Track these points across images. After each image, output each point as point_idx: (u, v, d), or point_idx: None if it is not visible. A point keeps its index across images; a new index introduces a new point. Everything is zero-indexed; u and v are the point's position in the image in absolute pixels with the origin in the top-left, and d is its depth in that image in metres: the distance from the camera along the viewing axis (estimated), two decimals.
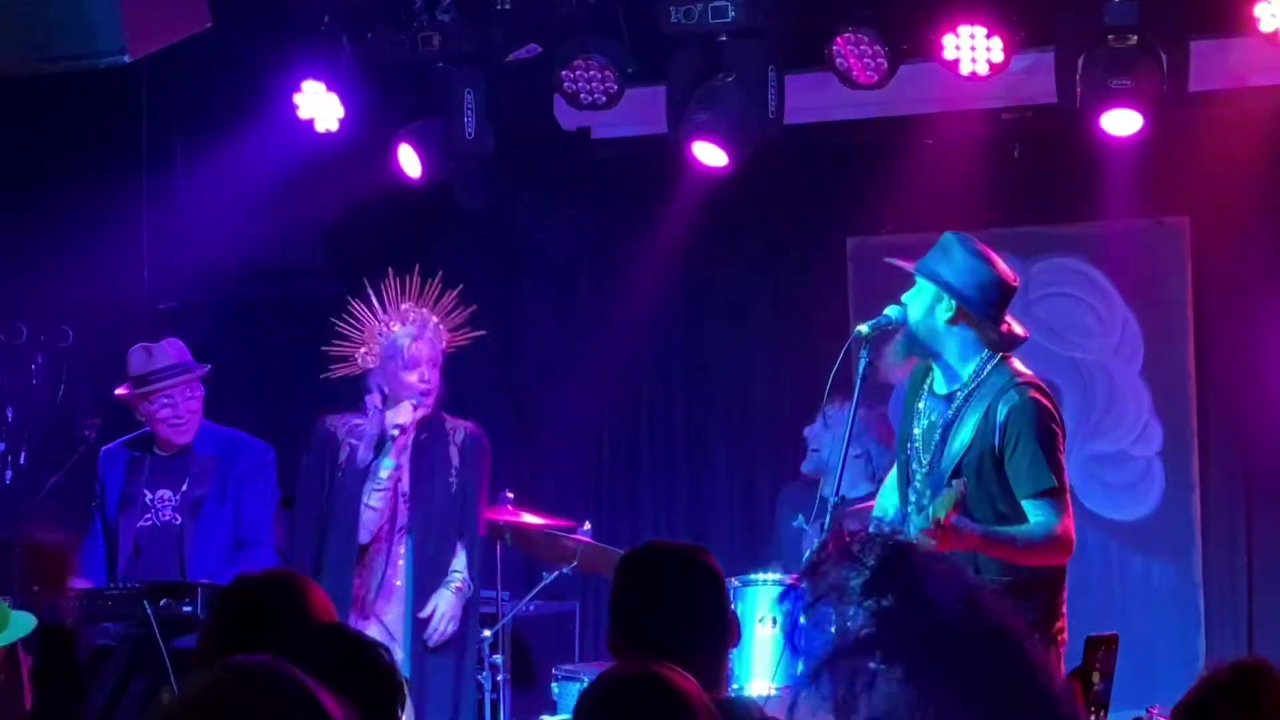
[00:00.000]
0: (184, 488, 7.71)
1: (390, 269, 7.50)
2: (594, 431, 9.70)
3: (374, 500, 7.33)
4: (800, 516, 8.07)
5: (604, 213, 9.24)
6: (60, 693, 4.33)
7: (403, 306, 7.41)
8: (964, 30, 8.25)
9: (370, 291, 7.42)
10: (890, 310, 6.17)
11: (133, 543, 7.72)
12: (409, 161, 8.98)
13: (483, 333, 7.44)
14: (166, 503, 7.75)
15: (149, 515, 7.74)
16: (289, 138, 9.28)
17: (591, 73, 8.78)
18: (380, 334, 7.45)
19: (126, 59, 7.13)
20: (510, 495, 8.30)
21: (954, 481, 5.75)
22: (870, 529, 2.60)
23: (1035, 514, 5.90)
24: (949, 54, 8.33)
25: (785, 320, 9.33)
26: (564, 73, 8.79)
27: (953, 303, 6.06)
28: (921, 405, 6.17)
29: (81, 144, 9.68)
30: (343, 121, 9.07)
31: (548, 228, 9.51)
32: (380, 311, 7.44)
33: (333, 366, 7.48)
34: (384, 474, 7.35)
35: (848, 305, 8.96)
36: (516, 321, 9.93)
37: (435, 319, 7.48)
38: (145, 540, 7.74)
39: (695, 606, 4.48)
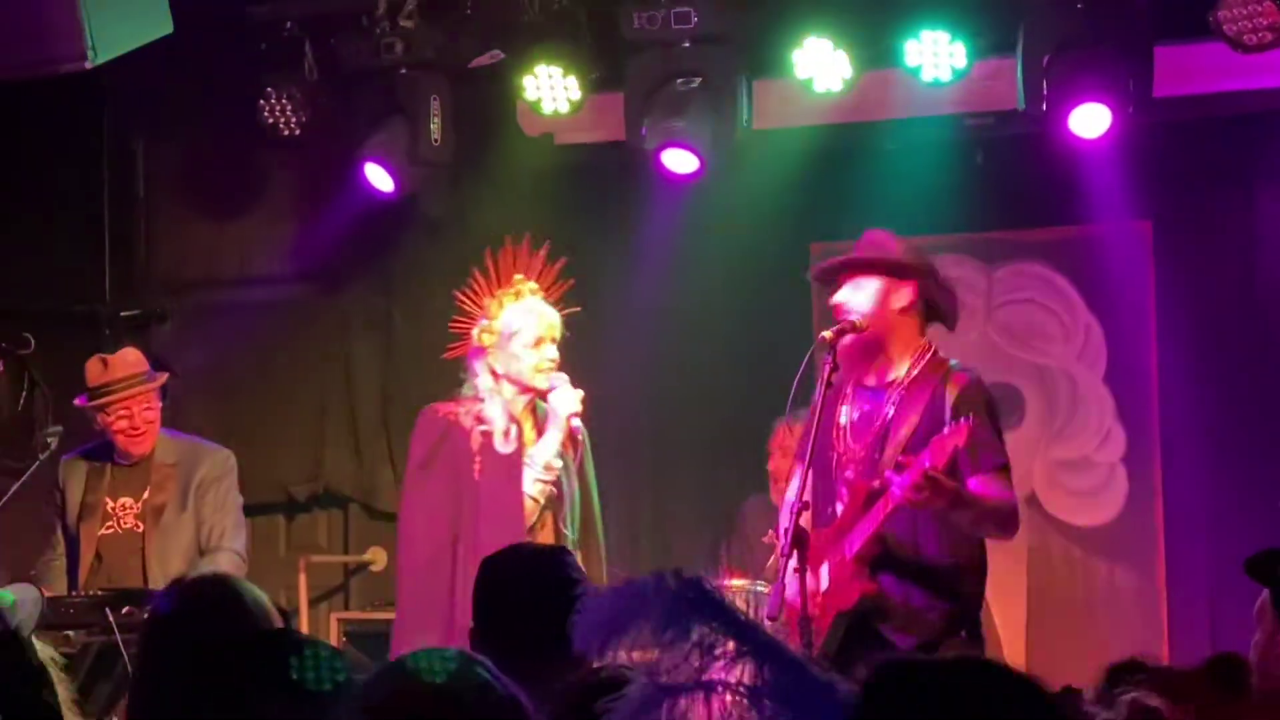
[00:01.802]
0: (145, 495, 7.67)
1: (506, 239, 6.95)
2: None
3: (536, 490, 6.63)
4: (770, 533, 8.03)
5: (567, 219, 8.91)
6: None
7: (515, 278, 6.81)
8: (927, 36, 8.27)
9: (490, 262, 6.84)
10: (853, 316, 6.19)
11: (94, 551, 7.67)
12: (379, 178, 8.97)
13: (578, 308, 6.82)
14: (128, 510, 7.70)
15: (110, 523, 7.69)
16: (251, 143, 9.30)
17: (554, 79, 8.79)
18: (496, 308, 6.82)
19: (88, 64, 7.22)
20: None
21: (946, 426, 5.80)
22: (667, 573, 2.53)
23: (992, 485, 5.98)
24: (912, 60, 8.36)
25: (750, 326, 9.30)
26: (526, 79, 8.81)
27: (907, 289, 6.14)
28: (851, 399, 6.22)
29: (43, 150, 9.65)
30: (305, 127, 9.03)
31: (511, 234, 9.28)
32: (495, 285, 6.83)
33: (450, 346, 6.90)
34: (546, 462, 6.65)
35: (811, 311, 8.92)
36: None
37: (544, 292, 6.86)
38: (107, 548, 7.69)
39: (556, 607, 4.52)
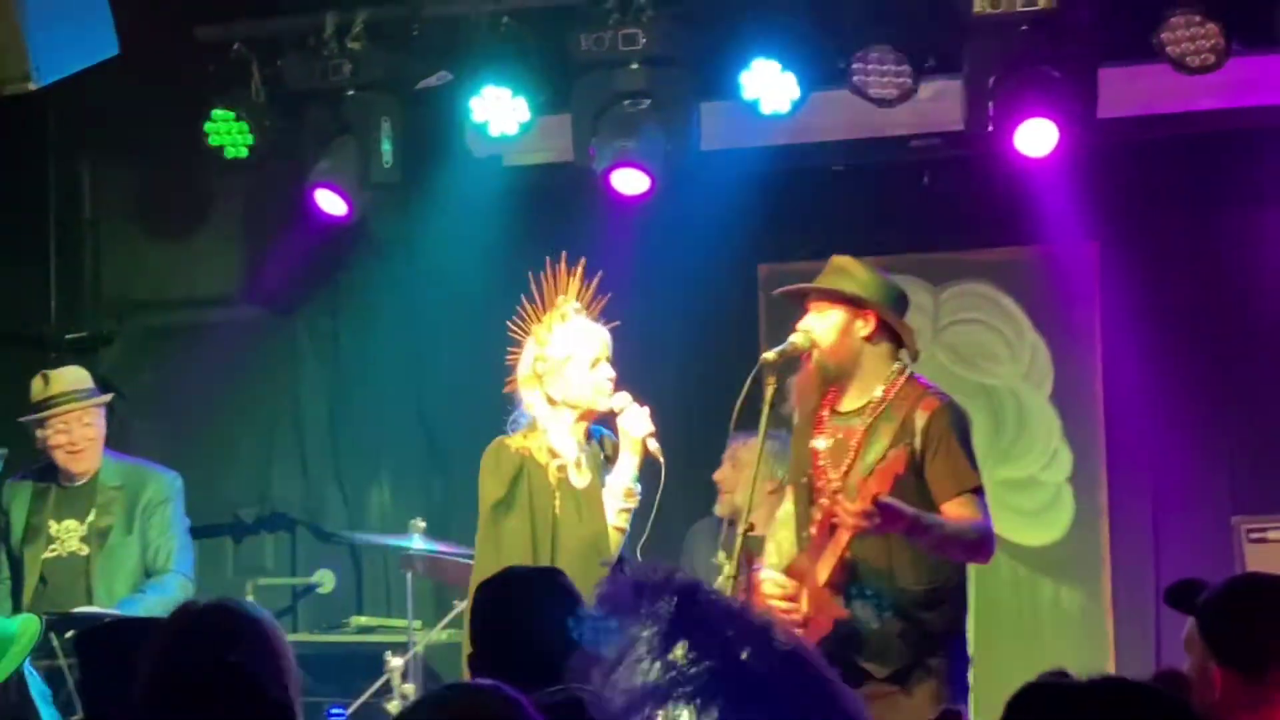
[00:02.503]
0: (90, 518, 7.64)
1: (547, 261, 6.60)
2: None
3: (622, 520, 6.34)
4: (721, 554, 7.99)
5: (516, 240, 9.02)
6: None
7: (559, 300, 6.47)
8: (873, 56, 8.25)
9: (534, 287, 6.51)
10: (796, 338, 6.13)
11: (39, 574, 7.64)
12: (330, 202, 8.93)
13: (616, 323, 6.50)
14: (72, 533, 7.67)
15: (54, 546, 7.66)
16: (198, 165, 9.27)
17: (502, 101, 8.77)
18: (547, 331, 6.46)
19: (32, 86, 7.15)
20: (422, 524, 8.27)
21: (892, 451, 5.81)
22: (660, 574, 2.52)
23: (962, 510, 5.92)
24: (858, 80, 8.35)
25: (698, 347, 9.27)
26: (474, 101, 8.79)
27: (870, 319, 6.09)
28: (825, 426, 6.16)
29: None
30: (253, 149, 8.99)
31: (460, 256, 9.35)
32: (541, 310, 6.50)
33: (510, 380, 6.52)
34: (629, 490, 6.35)
35: (759, 333, 8.91)
36: (429, 349, 9.87)
37: (586, 309, 6.53)
38: (51, 571, 7.66)
39: (550, 628, 4.49)
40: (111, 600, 7.54)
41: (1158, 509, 9.03)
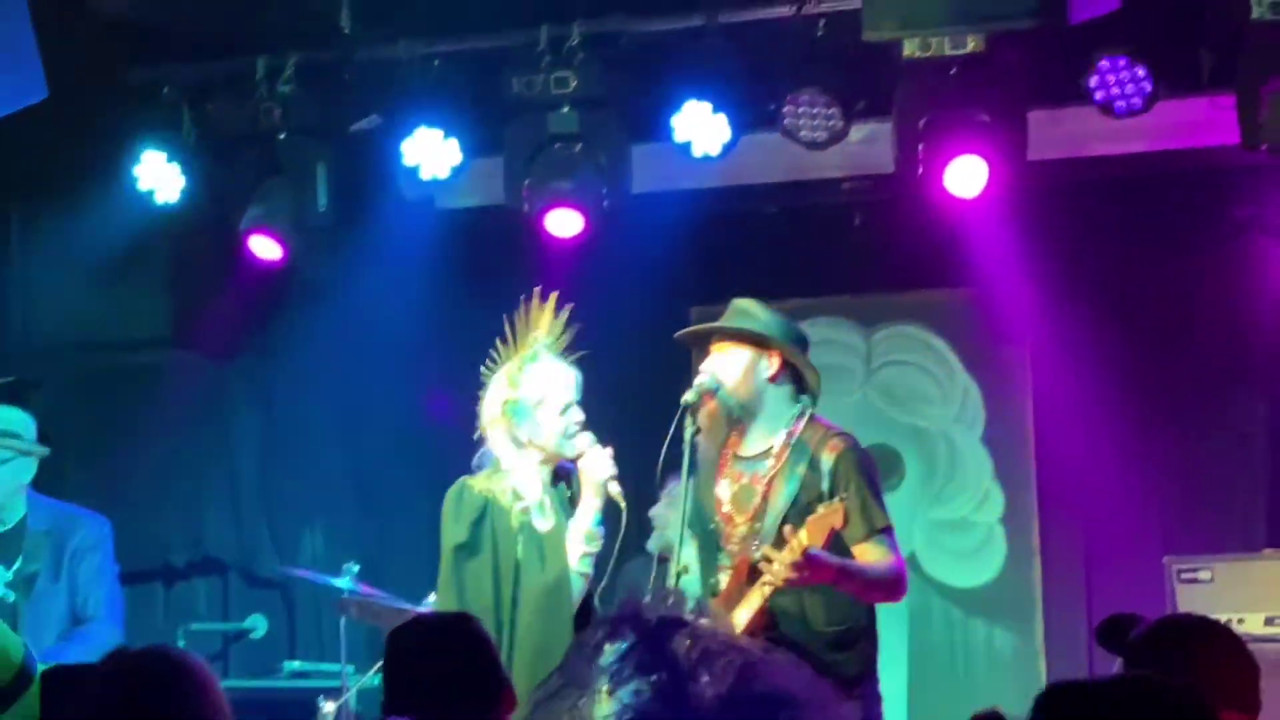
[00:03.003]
0: (17, 564, 7.42)
1: (520, 298, 6.46)
2: (437, 506, 9.54)
3: (584, 565, 6.18)
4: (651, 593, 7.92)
5: (449, 284, 9.14)
6: None
7: (532, 335, 6.34)
8: (803, 99, 8.29)
9: (507, 326, 6.36)
10: (702, 379, 6.14)
11: None
12: (264, 248, 8.93)
13: (584, 351, 6.38)
14: None
15: None
16: (129, 209, 9.16)
17: (433, 143, 8.78)
18: (517, 371, 6.32)
19: None
20: (355, 567, 8.27)
21: (822, 506, 5.73)
22: (626, 607, 2.54)
23: (875, 552, 5.93)
24: (789, 123, 8.37)
25: (629, 392, 9.03)
26: (406, 144, 8.79)
27: (774, 358, 6.10)
28: (727, 471, 6.15)
29: None
30: (184, 192, 8.99)
31: (394, 300, 9.32)
32: (514, 349, 6.35)
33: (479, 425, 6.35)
34: (593, 536, 6.20)
35: (690, 376, 8.87)
36: (363, 393, 9.84)
37: (558, 345, 6.41)
38: None
39: (461, 673, 4.55)
40: (39, 648, 7.40)
41: (1090, 549, 9.05)
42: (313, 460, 9.95)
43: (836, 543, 5.88)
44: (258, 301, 9.64)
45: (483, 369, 6.34)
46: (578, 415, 6.28)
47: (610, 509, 6.19)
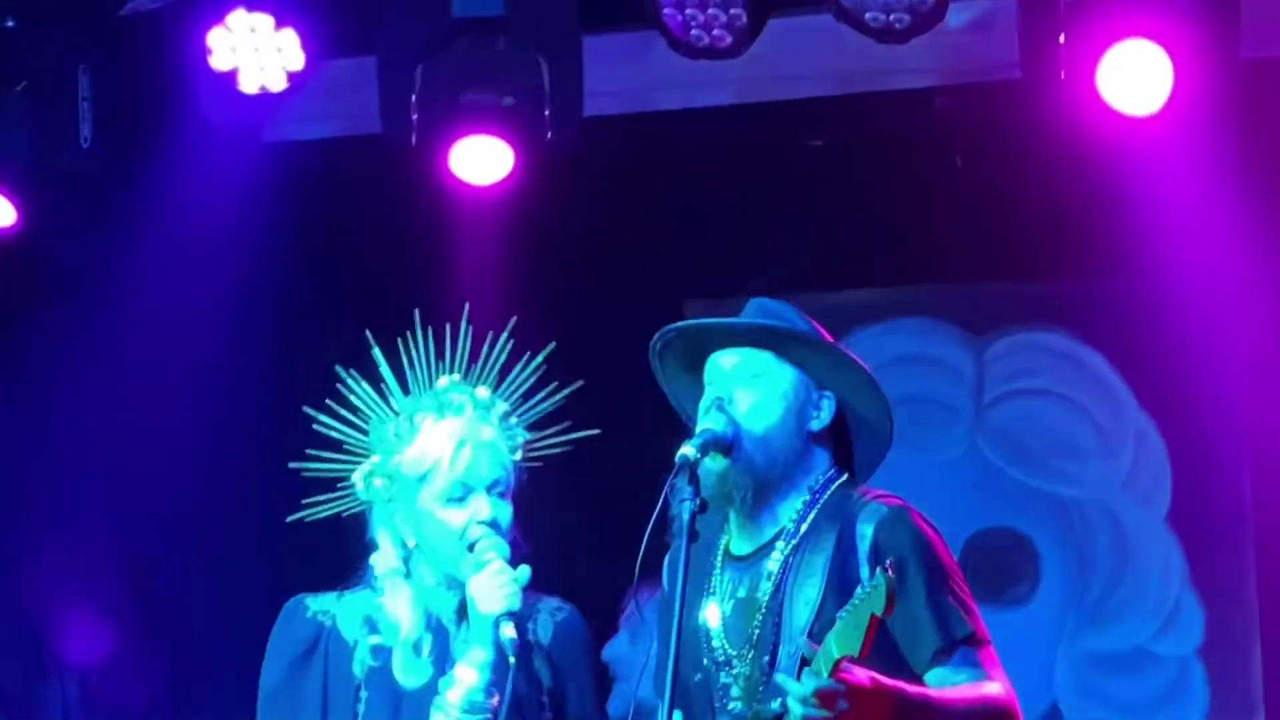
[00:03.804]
0: None
1: (415, 312, 6.14)
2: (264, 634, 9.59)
3: None
4: None
5: (290, 266, 9.22)
6: None
7: (440, 383, 6.09)
8: None
9: (375, 352, 6.11)
10: (712, 421, 5.69)
11: None
12: None
13: (597, 431, 6.19)
14: None
15: None
16: None
17: (259, 36, 8.67)
18: (396, 435, 6.11)
19: None
20: None
21: (868, 582, 5.31)
22: None
23: (960, 676, 5.57)
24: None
25: (590, 425, 8.79)
26: (215, 37, 8.65)
27: (826, 401, 5.74)
28: (713, 581, 5.84)
29: None
30: None
31: (195, 294, 9.27)
32: (398, 392, 6.15)
33: (307, 502, 6.13)
34: (468, 701, 5.94)
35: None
36: (144, 445, 9.69)
37: (504, 407, 6.17)
38: None
39: None
40: None
41: None
42: (64, 549, 9.83)
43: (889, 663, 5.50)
44: None
45: (326, 407, 6.13)
46: (483, 510, 5.98)
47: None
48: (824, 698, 5.15)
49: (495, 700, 5.88)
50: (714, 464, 5.68)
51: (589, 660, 6.26)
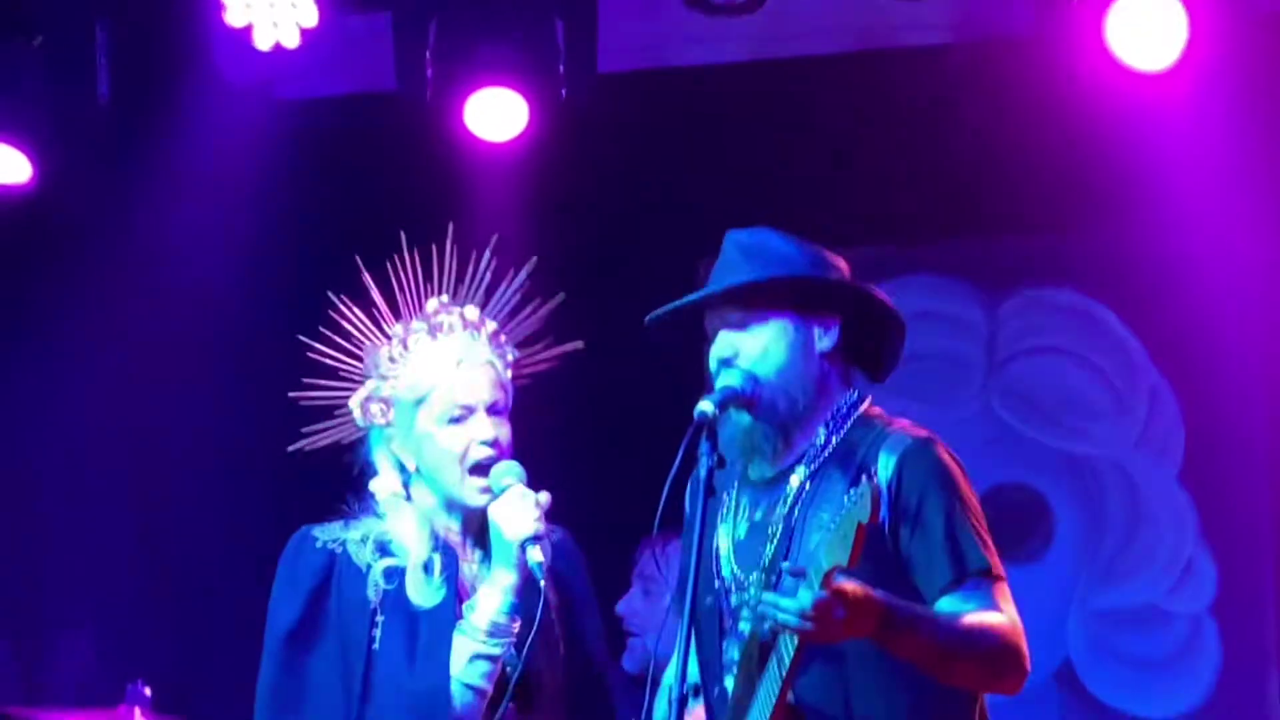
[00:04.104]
0: None
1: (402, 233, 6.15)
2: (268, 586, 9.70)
3: (477, 676, 5.86)
4: None
5: (307, 221, 9.14)
6: None
7: (430, 306, 6.05)
8: None
9: (366, 279, 6.06)
10: (730, 376, 5.67)
11: None
12: (6, 164, 9.02)
13: (578, 344, 6.14)
14: None
15: None
16: None
17: None
18: (390, 360, 6.06)
19: None
20: (147, 691, 8.20)
21: (853, 491, 5.26)
22: None
23: (968, 604, 5.52)
24: None
25: (604, 387, 8.94)
26: None
27: (831, 324, 5.73)
28: (729, 505, 5.82)
29: None
30: None
31: (213, 249, 9.25)
32: (390, 317, 6.08)
33: (306, 431, 6.08)
34: (492, 623, 5.88)
35: (703, 367, 8.37)
36: (156, 409, 9.76)
37: (494, 326, 6.11)
38: None
39: None
40: None
41: None
42: (78, 520, 9.87)
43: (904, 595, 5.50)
44: None
45: (321, 335, 6.09)
46: (483, 430, 5.95)
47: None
48: (819, 609, 5.11)
49: (517, 624, 5.85)
50: (739, 419, 5.67)
51: (588, 580, 6.21)
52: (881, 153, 9.22)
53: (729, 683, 5.67)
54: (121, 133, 8.99)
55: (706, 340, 5.84)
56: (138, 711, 8.07)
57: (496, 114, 8.64)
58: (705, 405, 5.52)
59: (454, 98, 8.60)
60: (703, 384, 5.68)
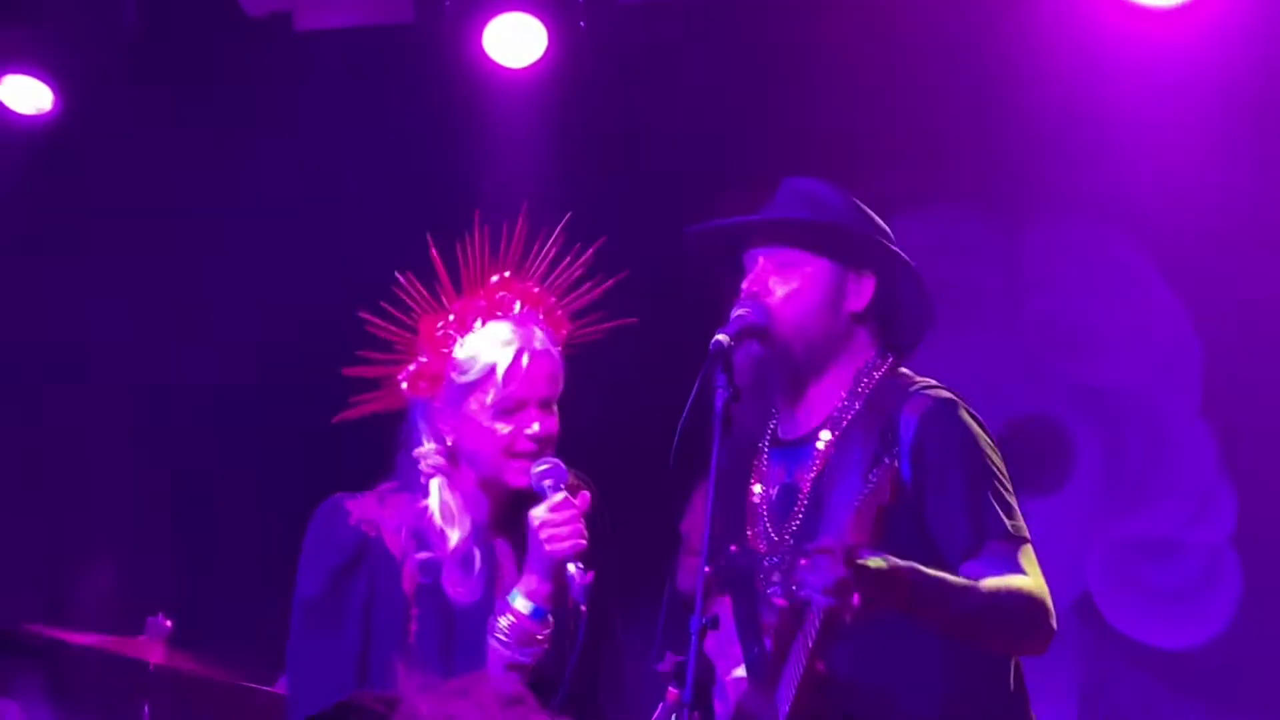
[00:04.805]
0: None
1: (475, 212, 6.02)
2: (297, 527, 9.49)
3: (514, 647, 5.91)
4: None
5: (323, 152, 9.16)
6: None
7: (491, 281, 5.99)
8: None
9: (433, 251, 5.97)
10: (745, 311, 5.71)
11: None
12: (24, 95, 9.14)
13: (634, 319, 6.09)
14: None
15: None
16: None
17: None
18: (445, 336, 6.01)
19: None
20: (168, 624, 8.23)
21: (873, 473, 5.31)
22: None
23: (991, 570, 5.53)
24: None
25: (637, 334, 8.74)
26: None
27: (864, 279, 5.77)
28: (763, 461, 5.85)
29: None
30: None
31: (234, 169, 9.28)
32: (448, 292, 6.01)
33: (354, 399, 6.06)
34: (524, 632, 5.84)
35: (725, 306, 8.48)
36: (178, 349, 9.76)
37: (552, 301, 6.08)
38: None
39: None
40: None
41: None
42: (95, 455, 9.91)
43: (929, 561, 5.49)
44: (10, 186, 9.63)
45: (376, 314, 6.01)
46: (532, 423, 5.90)
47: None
48: (841, 584, 5.12)
49: (546, 632, 5.80)
50: (751, 349, 5.70)
51: (610, 532, 6.10)
52: (898, 85, 9.13)
53: (766, 645, 5.71)
54: (145, 65, 9.01)
55: (740, 273, 5.86)
56: (158, 643, 8.07)
57: (511, 41, 8.68)
58: (721, 336, 5.57)
59: (472, 24, 8.63)
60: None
